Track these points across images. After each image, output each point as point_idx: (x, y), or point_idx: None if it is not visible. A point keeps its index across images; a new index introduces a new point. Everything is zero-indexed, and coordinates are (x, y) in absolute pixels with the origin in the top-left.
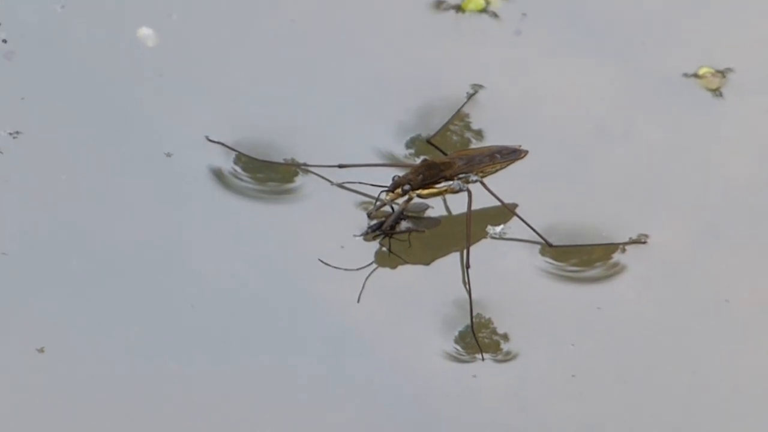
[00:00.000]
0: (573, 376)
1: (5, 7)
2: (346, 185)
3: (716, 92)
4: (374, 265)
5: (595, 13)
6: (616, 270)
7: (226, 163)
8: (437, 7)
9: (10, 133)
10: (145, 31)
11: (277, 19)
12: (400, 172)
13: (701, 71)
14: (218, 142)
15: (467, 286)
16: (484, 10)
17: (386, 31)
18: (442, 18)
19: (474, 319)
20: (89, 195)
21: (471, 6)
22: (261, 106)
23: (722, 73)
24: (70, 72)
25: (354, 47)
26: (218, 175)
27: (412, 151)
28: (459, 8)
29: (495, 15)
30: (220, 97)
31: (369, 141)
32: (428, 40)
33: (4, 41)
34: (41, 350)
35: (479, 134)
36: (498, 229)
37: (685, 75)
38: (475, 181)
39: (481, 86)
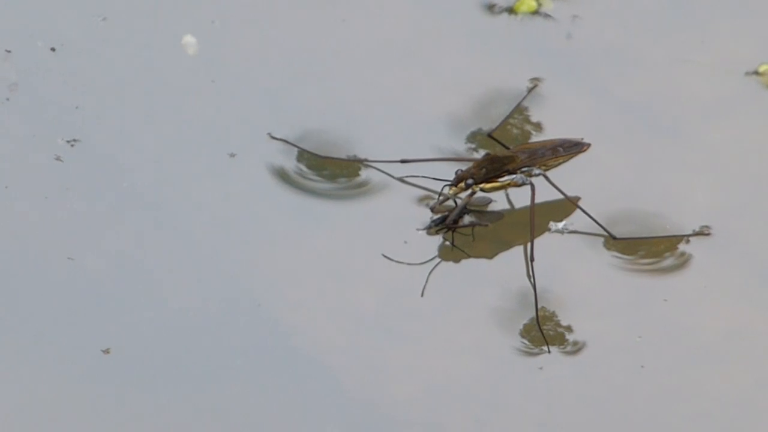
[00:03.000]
0: (642, 366)
1: (49, 21)
2: (409, 180)
3: None
4: (438, 259)
5: (647, 13)
6: (681, 262)
7: (289, 161)
8: (490, 10)
9: (68, 141)
10: (188, 39)
11: (329, 18)
12: (463, 167)
13: (761, 68)
14: (281, 139)
15: (532, 279)
16: (536, 12)
17: (441, 31)
18: (495, 20)
19: (539, 312)
20: (152, 200)
21: (523, 8)
22: (318, 104)
23: None
24: (122, 81)
25: (409, 46)
26: (282, 173)
27: (473, 145)
28: (511, 10)
29: (548, 16)
30: (276, 98)
31: (430, 136)
32: (484, 39)
33: (53, 49)
34: (107, 351)
35: (539, 127)
36: (561, 224)
37: (747, 73)
38: (538, 175)
39: (539, 79)
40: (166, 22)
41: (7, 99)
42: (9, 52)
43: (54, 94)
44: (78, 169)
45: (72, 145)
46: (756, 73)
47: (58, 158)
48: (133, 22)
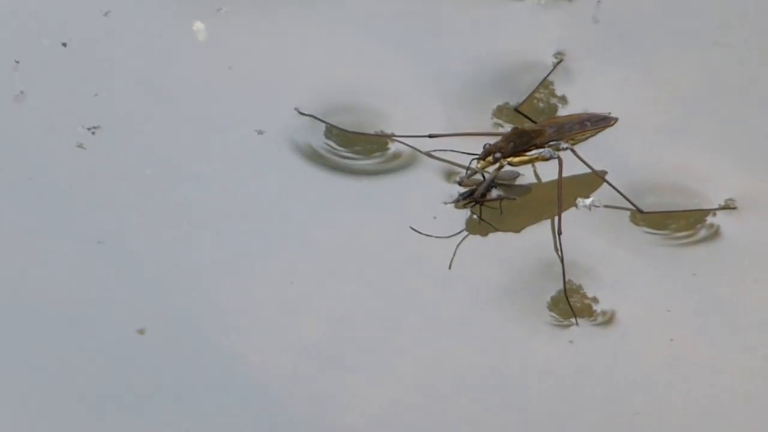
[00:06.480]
0: (671, 340)
1: (53, 21)
2: (437, 154)
3: None
4: (465, 233)
5: None
6: (710, 235)
7: (317, 138)
8: None
9: (89, 129)
10: (199, 25)
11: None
12: (491, 141)
13: None
14: (309, 115)
15: (559, 253)
16: None
17: (467, 11)
18: (519, 4)
19: (566, 285)
20: (179, 181)
21: None
22: (343, 81)
23: None
24: (137, 68)
25: (434, 23)
26: (310, 150)
27: (500, 120)
28: None
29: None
30: (297, 79)
31: (457, 110)
32: (509, 20)
33: (64, 44)
34: (141, 332)
35: (565, 101)
36: (588, 201)
37: None
38: (566, 149)
39: (564, 54)
40: (172, 13)
41: (22, 92)
42: (18, 62)
43: (70, 85)
44: (101, 156)
45: (93, 133)
46: None
47: (80, 146)
48: (136, 15)
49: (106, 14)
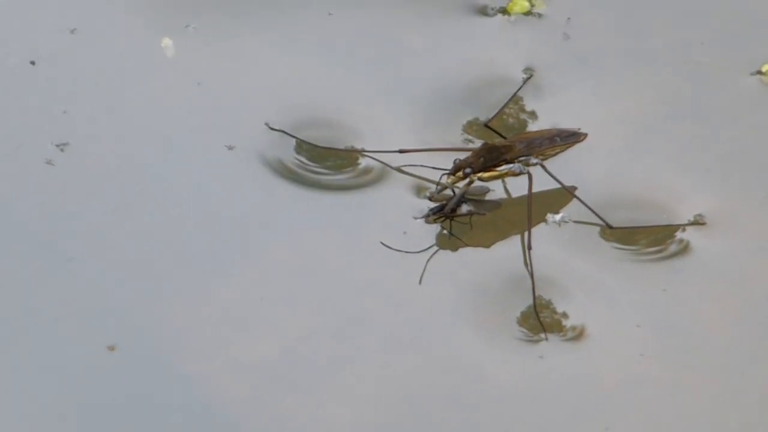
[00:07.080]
0: (641, 355)
1: (19, 39)
2: (407, 170)
3: None
4: (435, 248)
5: (642, 15)
6: (680, 251)
7: (287, 153)
8: (483, 12)
9: (58, 146)
10: (167, 42)
11: (314, 13)
12: (461, 156)
13: (764, 68)
14: (279, 130)
15: (529, 268)
16: (529, 13)
17: (435, 27)
18: (488, 21)
19: (536, 300)
20: (149, 198)
21: (516, 9)
22: (313, 97)
23: None
24: (107, 85)
25: (402, 40)
26: (280, 165)
27: (470, 135)
28: (504, 11)
29: (541, 15)
30: (268, 94)
31: (427, 126)
32: (479, 36)
33: (33, 63)
34: (112, 348)
35: (534, 116)
36: (558, 216)
37: (751, 73)
38: (536, 164)
39: (533, 70)
40: (140, 30)
41: None
42: None
43: (39, 102)
44: (70, 173)
45: (62, 150)
46: (759, 72)
47: (49, 162)
48: (104, 32)
49: (72, 32)
